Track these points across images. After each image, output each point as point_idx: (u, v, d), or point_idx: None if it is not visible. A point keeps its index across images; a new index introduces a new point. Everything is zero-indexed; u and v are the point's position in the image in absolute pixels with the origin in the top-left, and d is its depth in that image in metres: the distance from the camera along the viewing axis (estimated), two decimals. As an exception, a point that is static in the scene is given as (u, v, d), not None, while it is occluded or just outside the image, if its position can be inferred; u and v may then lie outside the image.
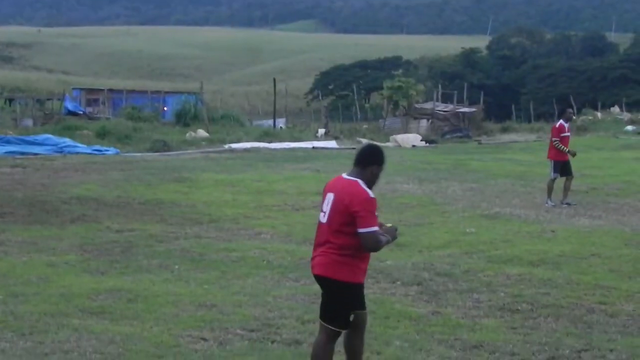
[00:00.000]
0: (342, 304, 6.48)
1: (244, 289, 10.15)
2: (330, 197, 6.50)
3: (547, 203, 17.74)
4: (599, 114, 58.28)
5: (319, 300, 9.61)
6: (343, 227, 6.38)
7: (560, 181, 18.18)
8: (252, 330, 8.45)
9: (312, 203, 17.62)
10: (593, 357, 7.97)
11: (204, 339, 8.14)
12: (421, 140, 37.66)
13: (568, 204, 17.67)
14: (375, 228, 6.36)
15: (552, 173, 18.14)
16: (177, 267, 11.35)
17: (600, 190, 19.38)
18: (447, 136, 43.04)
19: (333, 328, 6.51)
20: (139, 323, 8.60)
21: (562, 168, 18.11)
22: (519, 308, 9.56)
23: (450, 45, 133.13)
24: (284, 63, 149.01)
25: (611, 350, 8.11)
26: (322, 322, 6.58)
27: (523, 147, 34.56)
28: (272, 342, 8.14)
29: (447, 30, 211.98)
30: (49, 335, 8.07)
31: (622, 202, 18.20)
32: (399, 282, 10.68)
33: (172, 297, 9.61)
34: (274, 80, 55.32)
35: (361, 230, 6.30)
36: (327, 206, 6.48)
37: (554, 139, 18.19)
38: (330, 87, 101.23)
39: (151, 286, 10.18)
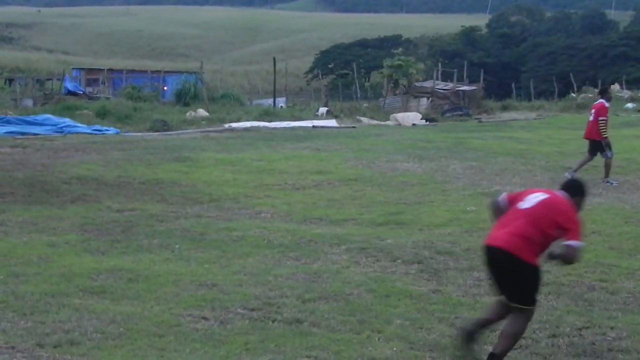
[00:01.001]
0: (526, 282, 6.88)
1: (244, 268, 10.16)
2: (541, 196, 7.04)
3: (609, 182, 17.80)
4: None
5: (319, 279, 9.69)
6: (544, 229, 6.84)
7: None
8: (253, 309, 8.46)
9: (312, 182, 17.64)
10: (594, 334, 7.98)
11: (205, 318, 8.15)
12: (421, 119, 37.58)
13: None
14: (582, 244, 6.84)
15: (608, 152, 18.22)
16: (177, 246, 11.35)
17: (600, 168, 19.32)
18: (448, 114, 42.95)
19: (523, 307, 6.92)
20: (140, 302, 8.61)
21: (600, 146, 18.26)
22: (520, 286, 9.55)
23: (450, 23, 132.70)
24: (283, 42, 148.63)
25: (612, 328, 8.13)
26: (512, 304, 6.94)
27: (523, 125, 34.52)
28: (273, 321, 8.15)
29: (447, 8, 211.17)
30: (50, 315, 8.08)
31: (622, 180, 18.20)
32: (399, 261, 10.69)
33: (172, 277, 9.62)
34: (274, 59, 55.19)
35: (571, 243, 6.79)
36: (534, 199, 6.99)
37: (601, 118, 18.27)
38: (330, 66, 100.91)
39: (152, 266, 10.18)
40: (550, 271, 10.16)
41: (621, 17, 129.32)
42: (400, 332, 7.90)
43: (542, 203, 6.95)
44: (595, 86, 62.42)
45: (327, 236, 12.06)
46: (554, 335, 7.93)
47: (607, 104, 18.64)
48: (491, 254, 6.96)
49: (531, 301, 6.96)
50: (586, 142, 19.05)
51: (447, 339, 7.74)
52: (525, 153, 22.89)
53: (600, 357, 7.48)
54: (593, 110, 18.80)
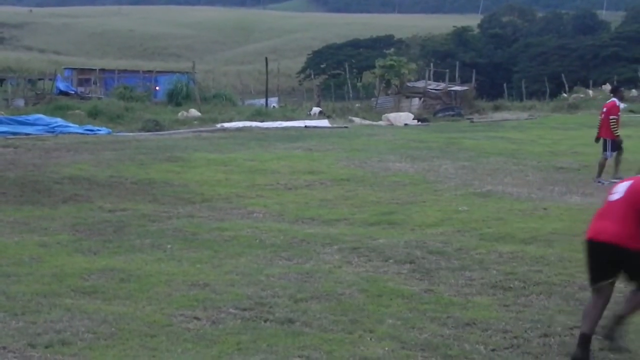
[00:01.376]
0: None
1: (236, 268, 10.15)
2: (626, 184, 7.50)
3: (599, 182, 17.82)
4: (590, 92, 58.31)
5: (311, 279, 9.69)
6: (635, 209, 7.28)
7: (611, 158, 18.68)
8: (245, 309, 8.45)
9: (304, 182, 17.64)
10: (585, 333, 7.97)
11: (197, 318, 8.14)
12: (413, 119, 37.63)
13: (620, 177, 17.54)
14: None
15: (608, 152, 18.31)
16: (169, 246, 11.34)
17: (592, 168, 19.39)
18: (440, 115, 43.02)
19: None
20: (132, 302, 8.60)
21: (617, 145, 18.34)
22: (511, 285, 9.58)
23: (442, 23, 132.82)
24: (276, 42, 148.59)
25: (602, 327, 8.13)
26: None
27: (515, 125, 34.58)
28: (265, 320, 8.14)
29: (439, 8, 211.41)
30: (42, 315, 8.06)
31: (614, 180, 18.21)
32: (391, 261, 10.70)
33: (164, 277, 9.61)
34: (266, 59, 55.18)
35: None
36: (622, 189, 7.46)
37: (612, 117, 18.37)
38: (323, 66, 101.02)
39: (144, 266, 10.17)
40: (541, 271, 10.21)
41: (613, 18, 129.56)
42: (392, 331, 7.90)
43: (630, 190, 7.38)
44: (587, 86, 62.65)
45: (319, 236, 12.06)
46: (545, 335, 7.93)
47: (618, 103, 18.76)
48: (597, 248, 7.43)
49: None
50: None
51: (439, 338, 7.74)
52: (517, 153, 22.93)
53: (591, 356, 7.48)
54: (605, 109, 18.87)
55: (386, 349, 7.45)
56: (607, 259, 7.38)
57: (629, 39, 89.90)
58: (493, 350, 7.54)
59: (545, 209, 14.56)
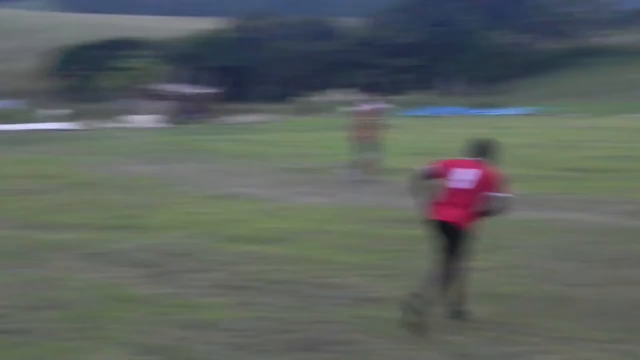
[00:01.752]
0: (465, 247, 8.13)
1: (-37, 278, 9.59)
2: (470, 174, 8.14)
3: (352, 176, 18.34)
4: (328, 96, 60.23)
5: (44, 287, 9.29)
6: (482, 194, 8.10)
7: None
8: (-27, 322, 7.99)
9: (42, 186, 17.05)
10: (324, 329, 8.11)
11: None
12: (158, 121, 37.45)
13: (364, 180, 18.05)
14: (510, 195, 8.23)
15: (370, 152, 18.78)
16: None
17: (333, 169, 19.94)
18: (188, 117, 43.05)
19: (466, 262, 8.19)
20: None
21: (374, 146, 18.75)
22: (253, 285, 9.61)
23: (192, 26, 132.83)
24: (20, 42, 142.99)
25: (340, 322, 8.30)
26: (458, 262, 8.12)
27: (262, 127, 35.18)
28: (-3, 332, 7.73)
29: (190, 11, 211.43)
30: None
31: (355, 180, 18.79)
32: (132, 265, 10.48)
33: None
34: (10, 59, 53.05)
35: (500, 194, 8.10)
36: (467, 177, 8.11)
37: (374, 119, 18.92)
38: (69, 67, 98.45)
39: None
40: (283, 270, 10.33)
41: (355, 24, 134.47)
42: (130, 337, 7.69)
43: (477, 182, 8.09)
44: (327, 89, 64.69)
45: (54, 242, 11.64)
46: (285, 331, 7.99)
47: (379, 107, 19.51)
48: (446, 228, 8.09)
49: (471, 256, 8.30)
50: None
51: (181, 341, 7.62)
52: (262, 154, 23.26)
53: (328, 350, 7.57)
54: (366, 113, 19.41)
55: (124, 354, 7.24)
56: (446, 236, 8.09)
57: (366, 45, 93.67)
58: (235, 349, 7.51)
59: (287, 209, 14.79)
